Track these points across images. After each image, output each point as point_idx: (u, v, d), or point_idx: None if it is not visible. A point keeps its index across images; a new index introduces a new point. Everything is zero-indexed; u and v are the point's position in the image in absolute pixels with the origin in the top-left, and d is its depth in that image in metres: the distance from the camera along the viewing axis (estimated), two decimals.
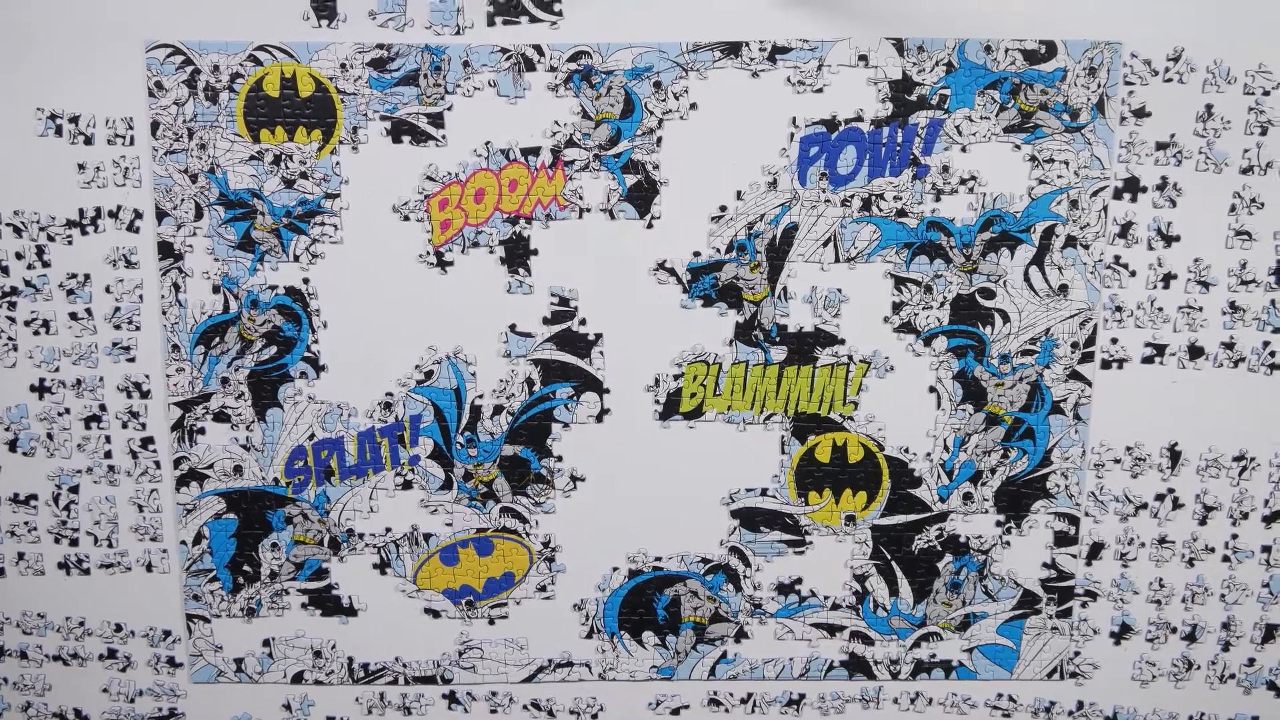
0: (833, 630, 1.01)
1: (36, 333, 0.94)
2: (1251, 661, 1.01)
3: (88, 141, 0.91)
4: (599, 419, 0.96)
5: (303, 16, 0.89)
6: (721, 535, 0.99)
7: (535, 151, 0.92)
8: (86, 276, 0.93)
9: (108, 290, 0.94)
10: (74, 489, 0.97)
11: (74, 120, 0.90)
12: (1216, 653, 1.01)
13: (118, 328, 0.94)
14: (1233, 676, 1.01)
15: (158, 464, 0.97)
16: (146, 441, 0.96)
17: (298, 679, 1.01)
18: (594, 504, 0.98)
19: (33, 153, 0.91)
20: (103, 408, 0.96)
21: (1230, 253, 0.93)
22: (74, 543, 0.98)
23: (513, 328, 0.95)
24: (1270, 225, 0.93)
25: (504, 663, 1.01)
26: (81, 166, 0.91)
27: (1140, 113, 0.91)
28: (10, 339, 0.94)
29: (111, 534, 0.98)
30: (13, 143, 0.90)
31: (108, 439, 0.96)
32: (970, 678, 1.02)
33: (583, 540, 0.99)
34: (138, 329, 0.94)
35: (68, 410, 0.96)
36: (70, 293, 0.94)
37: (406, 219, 0.93)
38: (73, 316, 0.94)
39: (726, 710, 1.02)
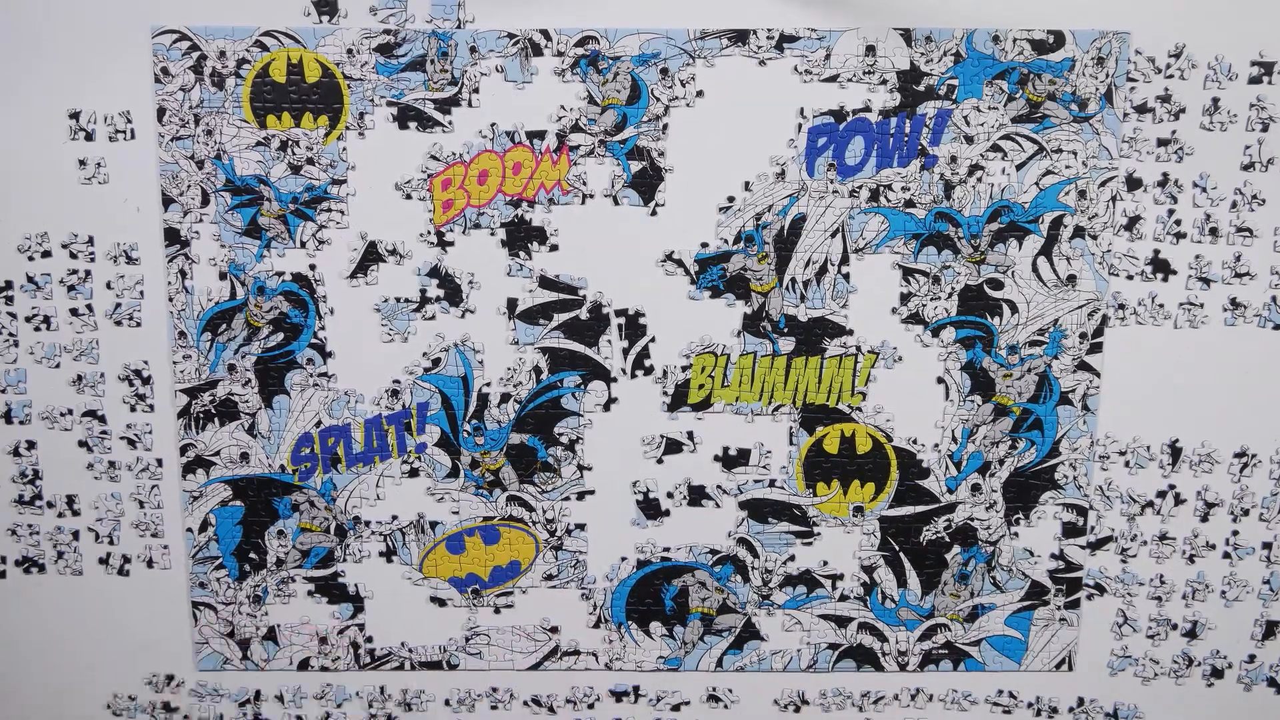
0: (841, 621, 1.00)
1: (38, 329, 0.94)
2: (1252, 658, 1.01)
3: (91, 134, 0.90)
4: (606, 408, 0.96)
5: (303, 12, 0.89)
6: (730, 526, 0.98)
7: (540, 135, 0.92)
8: (89, 267, 0.93)
9: (112, 277, 0.93)
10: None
11: (77, 111, 0.90)
12: (1217, 649, 1.01)
13: (119, 324, 0.94)
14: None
15: (160, 461, 0.96)
16: (149, 433, 0.96)
17: (304, 665, 1.00)
18: (602, 494, 0.98)
19: (35, 140, 0.90)
20: (103, 397, 0.95)
21: (1230, 249, 0.94)
22: (75, 536, 0.97)
23: (516, 314, 0.94)
24: (1271, 221, 0.93)
25: (510, 650, 1.01)
26: (82, 162, 0.91)
27: (1142, 108, 0.91)
28: (11, 334, 0.94)
29: (113, 530, 0.97)
30: (16, 130, 0.90)
31: (105, 427, 0.96)
32: (978, 669, 1.01)
33: (591, 530, 0.98)
34: (138, 325, 0.94)
35: (70, 411, 0.95)
36: (70, 288, 0.93)
37: (409, 197, 0.93)
38: (73, 313, 0.93)
39: (726, 707, 1.02)
